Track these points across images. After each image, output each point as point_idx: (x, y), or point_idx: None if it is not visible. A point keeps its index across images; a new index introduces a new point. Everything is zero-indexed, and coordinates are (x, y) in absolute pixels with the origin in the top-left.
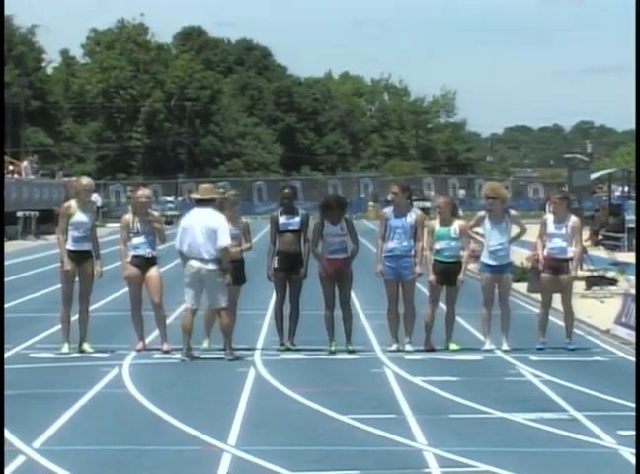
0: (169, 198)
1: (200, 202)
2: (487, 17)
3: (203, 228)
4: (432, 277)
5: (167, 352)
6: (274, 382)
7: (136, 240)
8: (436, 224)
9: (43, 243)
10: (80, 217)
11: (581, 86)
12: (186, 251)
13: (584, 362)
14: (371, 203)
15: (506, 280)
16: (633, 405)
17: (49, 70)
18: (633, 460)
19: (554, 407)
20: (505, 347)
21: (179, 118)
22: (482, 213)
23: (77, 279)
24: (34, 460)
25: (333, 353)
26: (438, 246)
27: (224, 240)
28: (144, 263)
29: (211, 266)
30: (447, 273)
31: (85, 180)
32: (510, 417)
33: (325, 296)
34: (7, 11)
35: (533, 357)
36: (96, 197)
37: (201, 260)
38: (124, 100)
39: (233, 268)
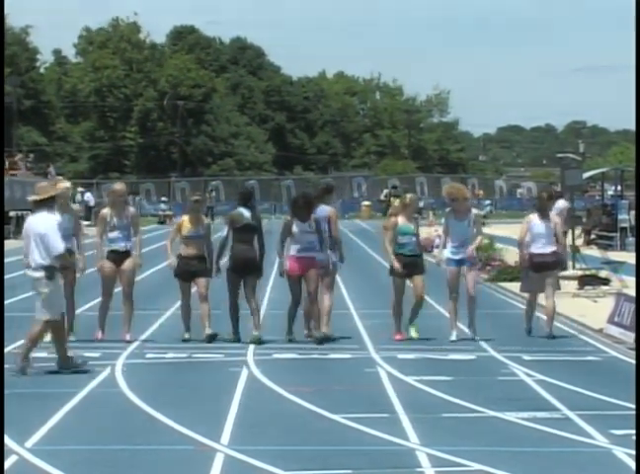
0: (163, 198)
1: (36, 204)
2: (481, 16)
3: (32, 234)
4: (397, 265)
5: (129, 342)
6: (267, 382)
7: (112, 234)
8: (400, 220)
9: None
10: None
11: (573, 85)
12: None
13: (577, 362)
14: (365, 203)
15: (470, 273)
16: (626, 404)
17: (42, 69)
18: (626, 459)
19: (547, 406)
20: (470, 335)
21: (172, 117)
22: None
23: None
24: (26, 460)
25: (291, 341)
26: (402, 241)
27: (56, 247)
28: (119, 257)
29: (36, 274)
30: (411, 265)
31: (60, 184)
32: (503, 416)
33: (292, 292)
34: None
35: (526, 357)
36: (89, 197)
37: (30, 268)
38: (117, 99)
39: (197, 262)
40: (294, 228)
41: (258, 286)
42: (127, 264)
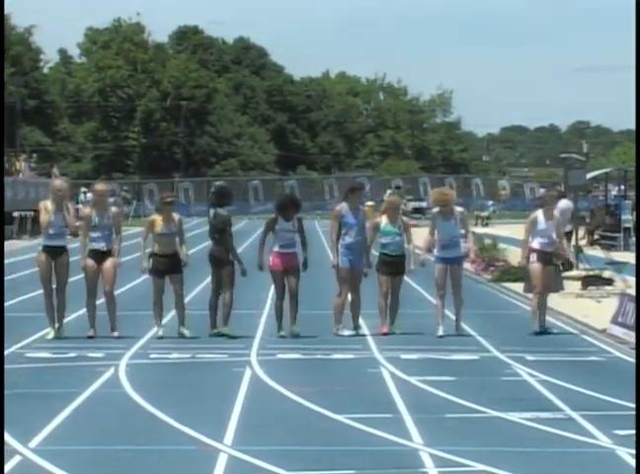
0: None
1: None
2: (484, 17)
3: None
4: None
5: (117, 338)
6: (270, 382)
7: (94, 234)
8: (382, 221)
9: (40, 243)
10: (52, 217)
11: (577, 85)
12: None
13: (580, 362)
14: (368, 203)
15: (457, 271)
16: (629, 404)
17: (46, 69)
18: (629, 460)
19: (550, 406)
20: (456, 331)
21: (175, 117)
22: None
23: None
24: (30, 460)
25: (283, 337)
26: (384, 241)
27: None
28: (100, 256)
29: None
30: (394, 264)
31: (57, 182)
32: (506, 416)
33: (275, 287)
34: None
35: (529, 357)
36: (91, 197)
37: None
38: (121, 99)
39: (172, 258)
40: (277, 226)
41: (261, 287)
42: (108, 263)
